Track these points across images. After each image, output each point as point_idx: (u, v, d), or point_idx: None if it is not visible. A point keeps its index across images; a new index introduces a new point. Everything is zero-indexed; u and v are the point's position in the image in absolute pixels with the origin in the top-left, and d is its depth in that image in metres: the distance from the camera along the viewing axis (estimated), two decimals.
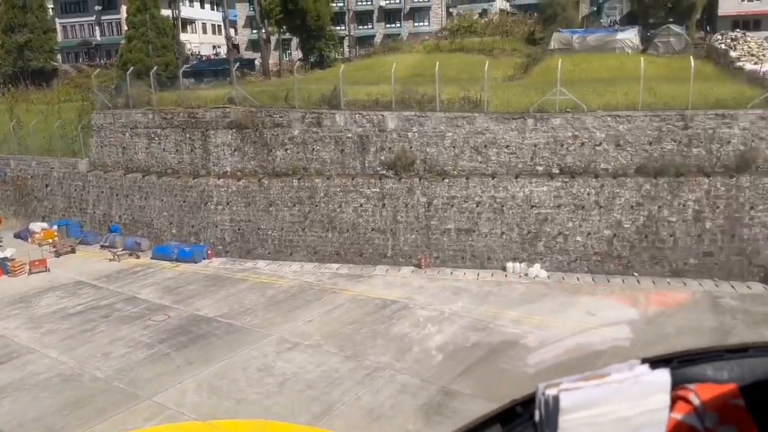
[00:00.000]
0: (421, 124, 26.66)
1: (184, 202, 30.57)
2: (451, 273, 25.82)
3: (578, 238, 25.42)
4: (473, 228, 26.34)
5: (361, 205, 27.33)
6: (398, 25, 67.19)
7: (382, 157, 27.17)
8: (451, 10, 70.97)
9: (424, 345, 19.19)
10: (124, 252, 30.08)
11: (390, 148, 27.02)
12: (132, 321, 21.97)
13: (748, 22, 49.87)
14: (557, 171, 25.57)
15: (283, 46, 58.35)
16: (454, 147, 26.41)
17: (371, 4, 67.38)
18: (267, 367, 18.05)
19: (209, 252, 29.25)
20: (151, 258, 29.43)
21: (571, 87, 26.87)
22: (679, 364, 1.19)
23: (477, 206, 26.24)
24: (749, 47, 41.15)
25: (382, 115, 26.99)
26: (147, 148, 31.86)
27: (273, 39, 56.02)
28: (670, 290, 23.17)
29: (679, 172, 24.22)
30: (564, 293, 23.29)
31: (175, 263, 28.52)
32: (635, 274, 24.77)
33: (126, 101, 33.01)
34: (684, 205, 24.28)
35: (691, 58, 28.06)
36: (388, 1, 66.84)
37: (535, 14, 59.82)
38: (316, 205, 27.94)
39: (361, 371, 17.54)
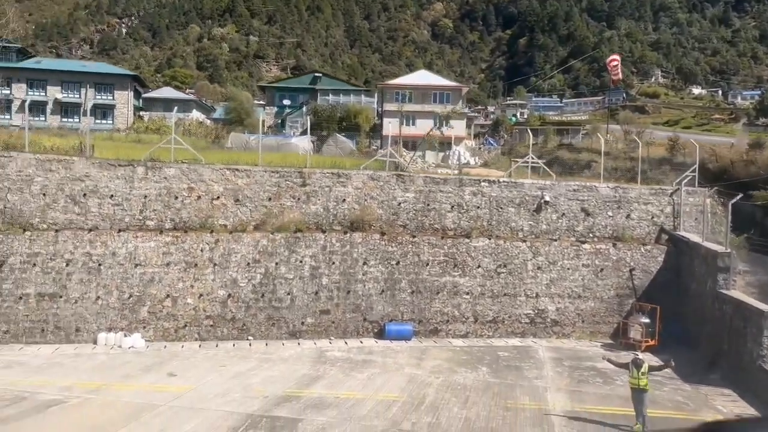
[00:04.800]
0: (3, 166, 21.67)
1: None
2: (21, 349, 20.02)
3: (189, 301, 22.13)
4: (60, 292, 21.32)
5: None
6: (77, 120, 61.51)
7: None
8: (142, 114, 68.32)
9: None
10: None
11: None
12: None
13: (407, 143, 56.50)
14: (170, 226, 22.56)
15: None
16: (44, 195, 21.80)
17: (45, 95, 60.96)
18: None
19: None
20: None
21: None
22: None
23: (67, 265, 21.50)
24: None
25: None
26: None
27: None
28: (279, 349, 20.88)
29: (297, 228, 23.16)
30: (156, 359, 19.30)
31: None
32: (250, 338, 22.12)
33: None
34: (301, 261, 23.00)
35: (310, 139, 28.80)
36: (65, 95, 61.18)
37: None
38: None
39: None
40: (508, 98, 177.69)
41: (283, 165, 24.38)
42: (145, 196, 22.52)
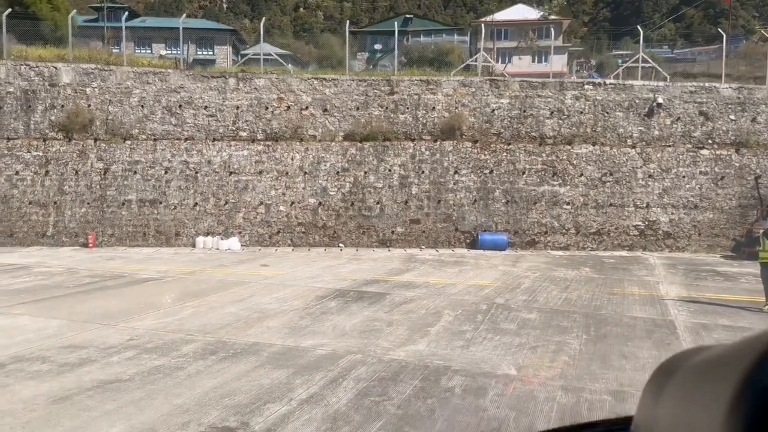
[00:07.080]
0: (104, 79, 22.52)
1: None
2: (124, 250, 20.93)
3: (281, 208, 22.19)
4: (160, 199, 22.03)
5: (17, 173, 21.84)
6: None
7: (53, 117, 22.31)
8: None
9: None
10: None
11: (63, 106, 22.33)
12: None
13: None
14: (262, 137, 22.62)
15: None
16: (142, 106, 22.47)
17: (151, 52, 63.96)
18: None
19: None
20: None
21: None
22: None
23: (166, 173, 22.15)
24: None
25: (55, 68, 22.46)
26: None
27: None
28: (369, 253, 20.47)
29: (386, 137, 22.49)
30: (251, 256, 19.50)
31: None
32: (341, 245, 21.90)
33: None
34: (390, 170, 22.36)
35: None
36: (168, 51, 63.88)
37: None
38: None
39: None
40: (614, 51, 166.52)
41: (371, 74, 23.68)
42: (237, 107, 22.66)
